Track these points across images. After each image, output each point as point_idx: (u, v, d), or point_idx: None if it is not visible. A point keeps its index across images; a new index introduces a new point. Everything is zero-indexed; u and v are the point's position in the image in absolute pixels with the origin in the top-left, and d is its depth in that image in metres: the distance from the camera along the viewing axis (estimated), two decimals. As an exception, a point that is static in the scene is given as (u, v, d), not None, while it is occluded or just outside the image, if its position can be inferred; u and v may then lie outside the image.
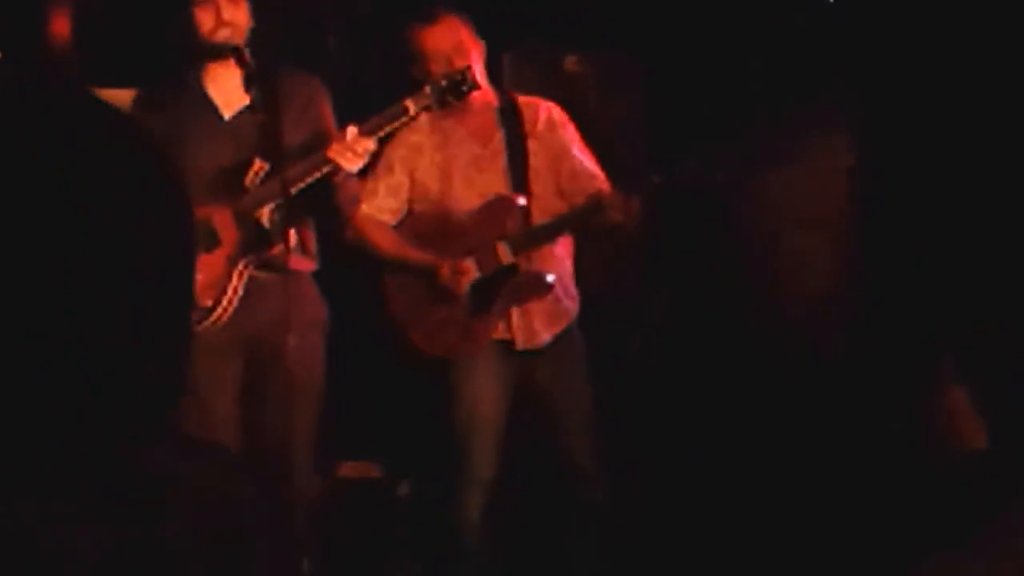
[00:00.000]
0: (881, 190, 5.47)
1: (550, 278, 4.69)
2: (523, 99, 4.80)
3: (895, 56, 5.45)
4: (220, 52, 4.40)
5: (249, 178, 4.36)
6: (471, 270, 4.66)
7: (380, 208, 4.77)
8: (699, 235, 5.17)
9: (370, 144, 4.33)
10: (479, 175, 4.74)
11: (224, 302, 4.35)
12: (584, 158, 4.77)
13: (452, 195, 4.75)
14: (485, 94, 4.72)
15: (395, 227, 4.79)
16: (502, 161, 4.74)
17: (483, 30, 4.82)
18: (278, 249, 4.34)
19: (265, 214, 4.36)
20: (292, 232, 4.35)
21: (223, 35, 4.38)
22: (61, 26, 4.32)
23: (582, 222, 4.68)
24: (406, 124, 4.41)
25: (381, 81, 5.07)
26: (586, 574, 4.86)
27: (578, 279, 4.88)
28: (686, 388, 5.65)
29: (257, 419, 4.47)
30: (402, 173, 4.77)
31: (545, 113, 4.78)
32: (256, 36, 4.43)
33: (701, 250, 5.37)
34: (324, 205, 4.44)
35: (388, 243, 4.76)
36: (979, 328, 5.06)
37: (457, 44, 4.64)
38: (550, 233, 4.69)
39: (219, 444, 4.08)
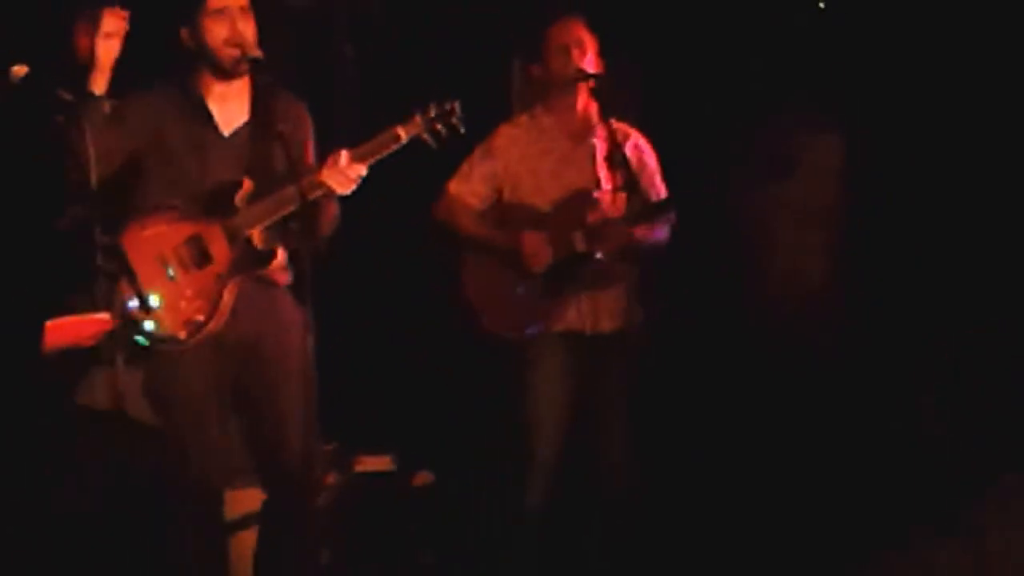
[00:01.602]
0: (875, 190, 5.55)
1: (619, 271, 4.93)
2: (615, 122, 5.00)
3: (888, 58, 5.53)
4: (234, 65, 4.44)
5: (239, 197, 4.43)
6: (548, 254, 4.90)
7: (471, 192, 5.06)
8: (696, 232, 5.26)
9: (362, 169, 4.40)
10: (567, 170, 5.02)
11: (216, 317, 4.42)
12: (659, 180, 5.08)
13: (539, 187, 5.02)
14: (588, 102, 5.00)
15: (482, 212, 5.03)
16: (592, 160, 5.00)
17: (491, 39, 4.94)
18: (272, 267, 4.46)
19: (258, 234, 4.45)
20: (280, 250, 4.48)
21: (234, 48, 4.43)
22: (87, 41, 4.41)
23: (648, 219, 4.94)
24: (396, 151, 4.46)
25: (396, 89, 5.16)
26: (603, 565, 5.03)
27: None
28: (683, 386, 5.74)
29: (265, 422, 4.54)
30: (496, 162, 5.04)
31: (636, 137, 5.06)
32: (264, 50, 4.48)
33: (698, 247, 5.46)
34: (306, 225, 4.43)
35: (473, 225, 5.02)
36: (969, 328, 5.18)
37: (578, 40, 4.94)
38: (624, 225, 4.91)
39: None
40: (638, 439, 5.05)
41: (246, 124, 4.53)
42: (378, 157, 4.43)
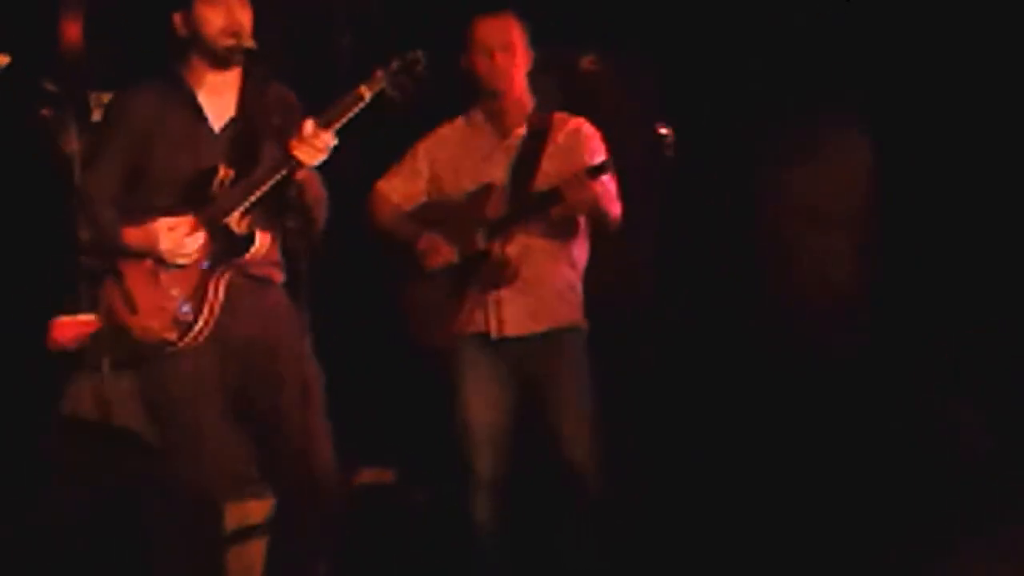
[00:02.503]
0: (900, 188, 5.41)
1: (516, 267, 4.76)
2: (559, 114, 4.89)
3: (913, 54, 5.40)
4: (228, 55, 4.31)
5: (215, 185, 4.29)
6: (447, 251, 4.80)
7: (394, 188, 4.96)
8: (717, 234, 5.17)
9: (329, 137, 4.22)
10: (486, 167, 4.87)
11: (205, 314, 4.29)
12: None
13: (458, 184, 4.89)
14: (521, 97, 4.87)
15: (405, 212, 4.94)
16: (511, 156, 4.86)
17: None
18: (252, 253, 4.32)
19: (234, 220, 4.30)
20: (266, 235, 4.33)
21: (230, 37, 4.29)
22: (73, 30, 4.30)
23: (543, 205, 4.74)
24: (360, 111, 4.26)
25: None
26: (584, 573, 4.85)
27: (595, 278, 4.91)
28: (703, 388, 5.62)
29: (267, 425, 4.42)
30: (424, 161, 4.95)
31: (573, 125, 4.88)
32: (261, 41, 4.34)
33: (719, 249, 5.36)
34: (292, 208, 4.29)
35: (390, 221, 4.94)
36: (991, 328, 5.08)
37: (505, 42, 4.80)
38: (517, 218, 4.76)
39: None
40: (661, 443, 4.95)
41: (234, 119, 4.40)
42: (343, 120, 4.24)
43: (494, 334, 4.81)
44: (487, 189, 4.82)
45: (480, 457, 4.81)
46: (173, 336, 4.25)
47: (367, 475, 5.42)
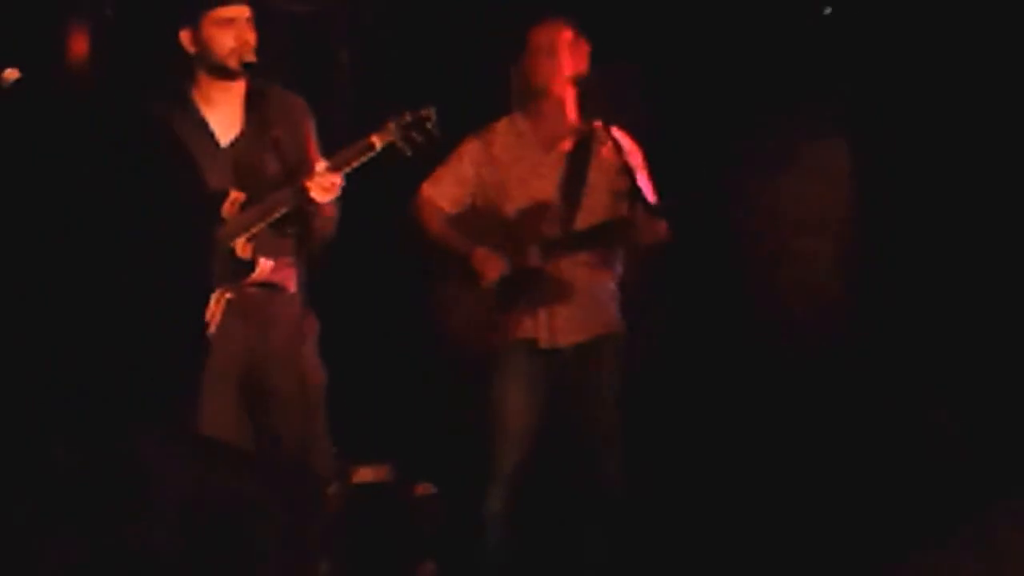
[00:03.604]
0: (884, 192, 5.49)
1: (569, 283, 4.84)
2: (597, 124, 4.90)
3: (893, 59, 5.48)
4: (237, 66, 4.42)
5: (226, 208, 4.38)
6: (502, 266, 4.83)
7: (442, 194, 4.98)
8: (703, 239, 5.19)
9: (337, 179, 4.38)
10: (534, 179, 4.93)
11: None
12: (645, 184, 4.89)
13: (507, 194, 4.93)
14: (568, 107, 4.93)
15: (451, 217, 4.98)
16: (560, 170, 4.92)
17: (492, 42, 4.91)
18: (251, 279, 4.42)
19: (240, 244, 4.40)
20: (268, 262, 4.44)
21: (238, 54, 4.40)
22: (79, 44, 4.36)
23: (607, 237, 4.85)
24: (371, 159, 4.44)
25: (392, 94, 5.13)
26: (597, 572, 4.95)
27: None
28: (691, 392, 5.68)
29: (271, 430, 4.52)
30: (469, 166, 4.97)
31: (614, 141, 4.88)
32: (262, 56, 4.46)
33: (705, 255, 5.39)
34: (302, 228, 4.46)
35: (435, 226, 4.95)
36: (975, 332, 5.10)
37: (550, 44, 4.83)
38: (578, 242, 4.84)
39: (219, 441, 4.16)
40: (645, 450, 4.99)
41: (241, 134, 4.50)
42: (353, 166, 4.40)
43: (545, 344, 4.87)
44: (542, 207, 4.88)
45: (507, 455, 4.88)
46: None
47: (365, 473, 5.44)
